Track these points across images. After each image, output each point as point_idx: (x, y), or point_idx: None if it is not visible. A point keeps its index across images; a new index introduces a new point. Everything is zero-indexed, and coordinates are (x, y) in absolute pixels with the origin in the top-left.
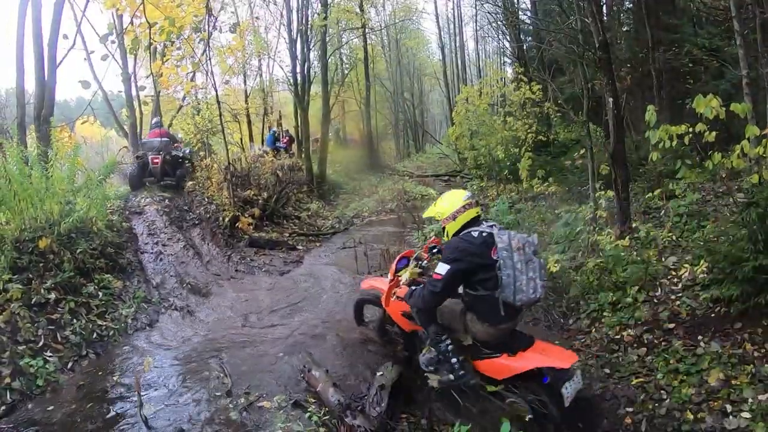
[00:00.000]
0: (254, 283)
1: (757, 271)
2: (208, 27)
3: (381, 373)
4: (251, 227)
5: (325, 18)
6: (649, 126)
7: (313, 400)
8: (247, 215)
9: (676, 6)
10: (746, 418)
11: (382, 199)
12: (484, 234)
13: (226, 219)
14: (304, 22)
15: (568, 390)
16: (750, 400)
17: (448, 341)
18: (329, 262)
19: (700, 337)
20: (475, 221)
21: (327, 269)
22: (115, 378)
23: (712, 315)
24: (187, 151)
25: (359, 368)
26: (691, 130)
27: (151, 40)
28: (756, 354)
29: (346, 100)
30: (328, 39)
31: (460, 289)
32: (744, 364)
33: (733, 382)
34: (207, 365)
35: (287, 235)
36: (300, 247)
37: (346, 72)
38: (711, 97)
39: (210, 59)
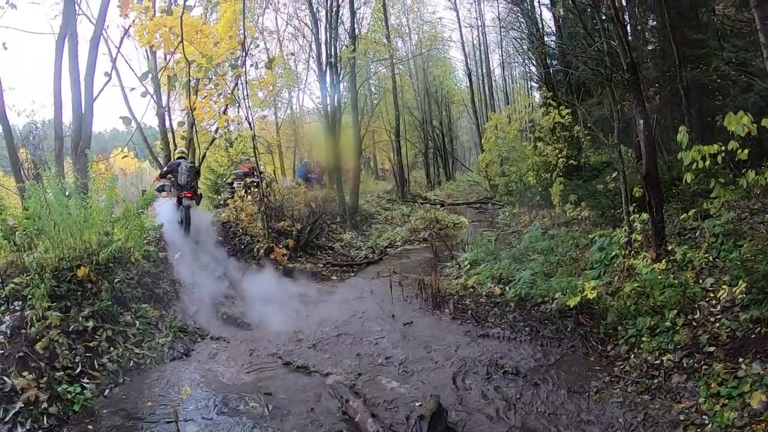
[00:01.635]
0: (289, 314)
1: None
2: (244, 63)
3: (420, 403)
4: (285, 258)
5: (354, 50)
6: (682, 147)
7: (352, 431)
8: (281, 246)
9: (700, 21)
10: None
11: (415, 228)
12: None
13: (261, 250)
14: (333, 54)
15: None
16: None
17: None
18: (363, 292)
19: (741, 360)
20: None
21: (360, 300)
22: (151, 406)
23: (753, 336)
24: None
25: (399, 397)
26: (723, 148)
27: (189, 77)
28: None
29: (376, 130)
30: (357, 70)
31: None
32: None
33: None
34: (244, 396)
35: (321, 265)
36: (334, 278)
37: (375, 102)
38: (741, 114)
39: (247, 94)
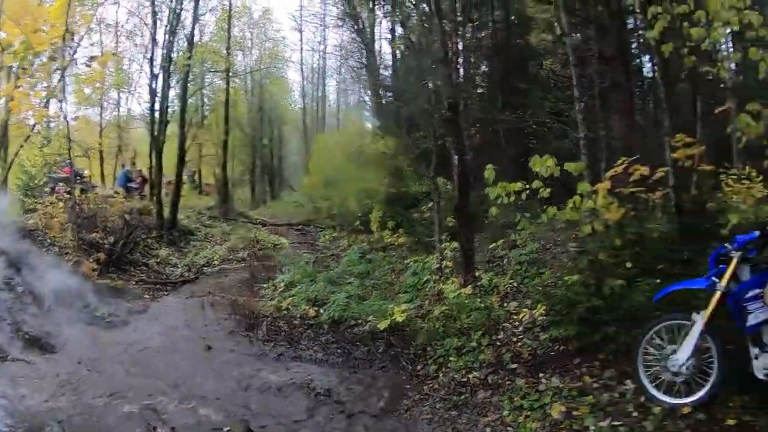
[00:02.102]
0: (97, 334)
1: (589, 311)
2: (69, 55)
3: (228, 428)
4: (96, 273)
5: (190, 57)
6: (488, 183)
7: None
8: (91, 260)
9: (529, 72)
10: None
11: (234, 247)
12: None
13: (70, 263)
14: (167, 58)
15: None
16: (592, 428)
17: None
18: (176, 312)
19: (541, 375)
20: None
21: (172, 320)
22: None
23: (552, 353)
24: None
25: (207, 424)
26: (527, 186)
27: (3, 63)
28: (595, 385)
29: (204, 143)
30: (191, 78)
31: None
32: (584, 396)
33: (574, 413)
34: (45, 424)
35: (134, 283)
36: (147, 296)
37: (206, 113)
38: (547, 158)
39: (65, 89)
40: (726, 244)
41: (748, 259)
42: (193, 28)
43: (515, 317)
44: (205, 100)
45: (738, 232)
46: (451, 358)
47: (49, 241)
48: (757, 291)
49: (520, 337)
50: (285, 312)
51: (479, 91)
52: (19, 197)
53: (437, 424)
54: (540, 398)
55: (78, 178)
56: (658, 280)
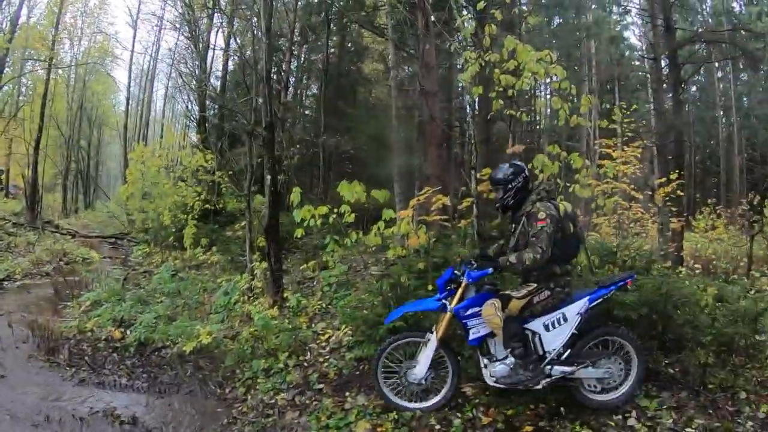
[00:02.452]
0: None
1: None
2: None
3: None
4: None
5: (11, 39)
6: (293, 206)
7: None
8: None
9: (357, 98)
10: None
11: (39, 260)
12: None
13: None
14: None
15: None
16: None
17: None
18: None
19: (347, 394)
20: None
21: None
22: None
23: (357, 372)
24: None
25: None
26: (335, 210)
27: None
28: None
29: (15, 138)
30: (9, 63)
31: None
32: (388, 412)
33: (379, 429)
34: None
35: None
36: None
37: (20, 105)
38: (356, 184)
39: None
40: (454, 270)
41: (475, 283)
42: (20, 7)
43: (322, 338)
44: (22, 90)
45: None
46: (259, 380)
47: None
48: (476, 309)
49: (327, 357)
50: (89, 333)
51: (306, 112)
52: None
53: None
54: (346, 416)
55: None
56: None
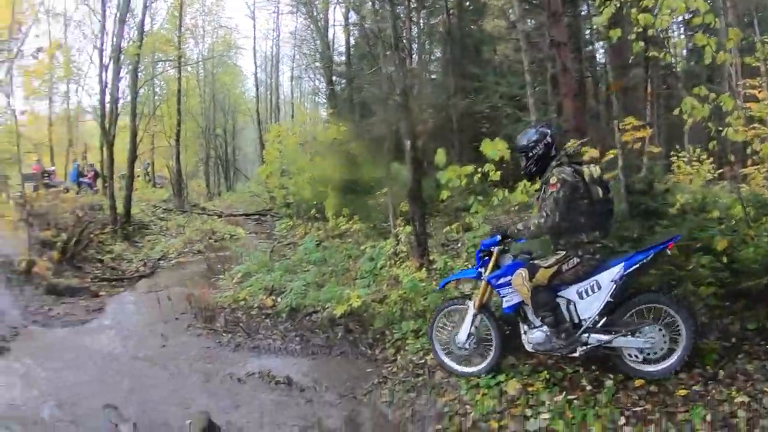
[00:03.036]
0: (54, 335)
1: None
2: (17, 47)
3: (190, 421)
4: (50, 272)
5: (140, 46)
6: (439, 167)
7: None
8: (45, 259)
9: (482, 58)
10: (545, 419)
11: (190, 239)
12: None
13: (22, 263)
14: (117, 48)
15: None
16: (547, 403)
17: None
18: (133, 309)
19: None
20: None
21: (128, 316)
22: None
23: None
24: None
25: (168, 418)
26: (479, 170)
27: None
28: (549, 361)
29: (157, 134)
30: (141, 68)
31: None
32: (538, 372)
33: (529, 389)
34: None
35: (89, 280)
36: (103, 293)
37: (158, 104)
38: (498, 141)
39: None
40: (485, 241)
41: (507, 251)
42: (143, 16)
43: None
44: (157, 90)
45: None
46: (408, 341)
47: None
48: (507, 278)
49: None
50: (242, 303)
51: (432, 76)
52: None
53: (396, 406)
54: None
55: (46, 174)
56: None
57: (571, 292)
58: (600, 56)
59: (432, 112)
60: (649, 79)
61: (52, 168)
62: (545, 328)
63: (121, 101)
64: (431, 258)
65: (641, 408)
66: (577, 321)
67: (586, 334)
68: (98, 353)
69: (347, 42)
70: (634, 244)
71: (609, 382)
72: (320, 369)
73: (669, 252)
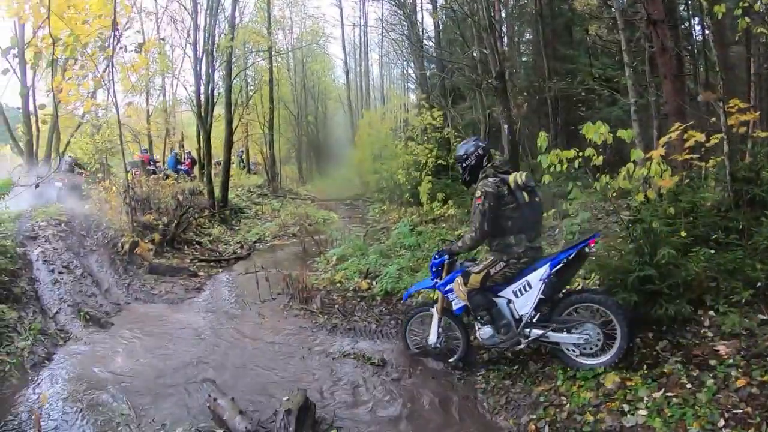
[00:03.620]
0: (155, 312)
1: (642, 281)
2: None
3: (287, 398)
4: (151, 253)
5: (232, 39)
6: (541, 151)
7: (220, 429)
8: (147, 241)
9: (573, 38)
10: (643, 415)
11: (285, 223)
12: None
13: (126, 245)
14: (210, 42)
15: None
16: (645, 399)
17: None
18: (230, 289)
19: None
20: None
21: (226, 296)
22: (12, 413)
23: None
24: None
25: (265, 394)
26: (580, 154)
27: (54, 56)
28: (648, 356)
29: (250, 122)
30: (234, 60)
31: None
32: (638, 367)
33: (628, 383)
34: (109, 398)
35: (188, 261)
36: (201, 274)
37: (251, 94)
38: (599, 124)
39: (113, 78)
40: (435, 261)
41: (455, 261)
42: (233, 10)
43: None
44: (249, 80)
45: None
46: None
47: (105, 224)
48: (450, 285)
49: None
50: (338, 285)
51: (524, 59)
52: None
53: (491, 393)
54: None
55: (151, 162)
56: (713, 251)
57: (508, 292)
58: (696, 33)
59: (526, 96)
60: (751, 58)
61: (158, 156)
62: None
63: (216, 92)
64: None
65: (741, 411)
66: (518, 317)
67: (527, 329)
68: (197, 329)
69: (436, 26)
70: (738, 236)
71: (710, 381)
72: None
73: (590, 249)
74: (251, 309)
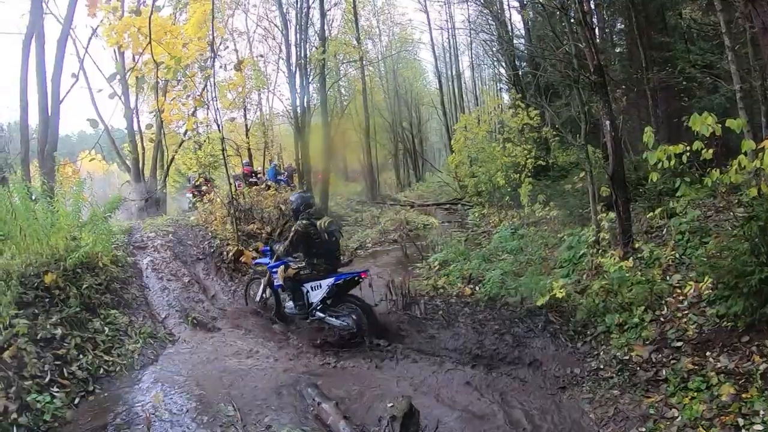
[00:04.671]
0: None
1: (762, 283)
2: (213, 65)
3: (392, 404)
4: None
5: (323, 52)
6: (648, 147)
7: None
8: (251, 249)
9: (667, 24)
10: (758, 431)
11: (385, 229)
12: None
13: (230, 253)
14: (302, 55)
15: None
16: (762, 413)
17: None
18: None
19: (708, 354)
20: None
21: None
22: (122, 413)
23: (720, 330)
24: None
25: (370, 399)
26: (688, 148)
27: (157, 78)
28: (765, 366)
29: (346, 131)
30: (326, 71)
31: None
32: (750, 376)
33: (743, 396)
34: (215, 400)
35: None
36: None
37: (345, 104)
38: (706, 115)
39: (215, 96)
40: (268, 247)
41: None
42: (322, 24)
43: (679, 291)
44: (343, 91)
45: None
46: (612, 335)
47: (210, 234)
48: (276, 269)
49: (685, 312)
50: (441, 291)
51: (617, 50)
52: (175, 197)
53: (598, 404)
54: (707, 379)
55: (254, 175)
56: None
57: (308, 286)
58: None
59: (624, 89)
60: None
61: (260, 168)
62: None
63: (311, 103)
64: (635, 246)
65: None
66: (310, 302)
67: (314, 311)
68: (300, 333)
69: (524, 23)
70: None
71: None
72: (520, 360)
73: (361, 280)
74: None
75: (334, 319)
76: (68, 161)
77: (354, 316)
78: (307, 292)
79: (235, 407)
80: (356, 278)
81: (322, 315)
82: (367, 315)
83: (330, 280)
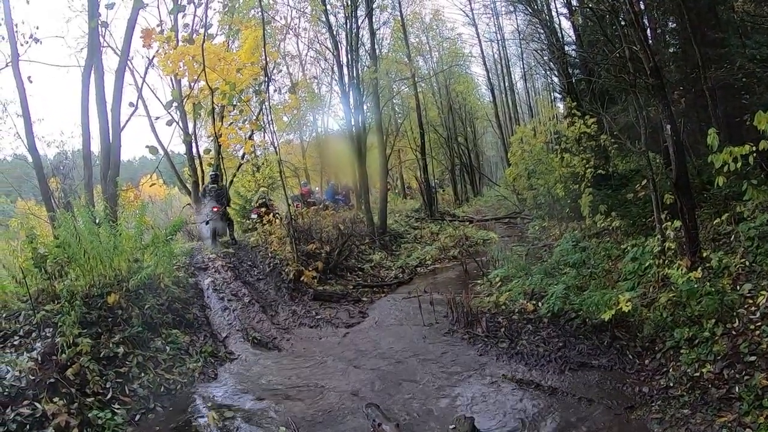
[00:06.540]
0: (319, 336)
1: None
2: (268, 88)
3: (453, 426)
4: (315, 281)
5: (375, 71)
6: (712, 149)
7: None
8: (310, 269)
9: (720, 19)
10: None
11: (444, 246)
12: None
13: (290, 273)
14: (355, 75)
15: None
16: None
17: None
18: (393, 313)
19: None
20: None
21: (390, 320)
22: (183, 427)
23: None
24: None
25: (431, 420)
26: (754, 148)
27: (213, 104)
28: None
29: (402, 149)
30: (380, 90)
31: None
32: None
33: None
34: (272, 414)
35: (351, 287)
36: (365, 299)
37: (399, 121)
38: None
39: (271, 119)
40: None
41: None
42: (372, 43)
43: (751, 302)
44: (396, 108)
45: None
46: (681, 351)
47: (270, 254)
48: None
49: (758, 324)
50: (503, 307)
51: (671, 50)
52: (237, 219)
53: (668, 424)
54: None
55: (310, 194)
56: None
57: None
58: None
59: (681, 90)
60: None
61: (317, 188)
62: None
63: (366, 122)
64: (704, 255)
65: None
66: None
67: None
68: (361, 352)
69: (575, 28)
70: None
71: None
72: (584, 377)
73: None
74: (414, 332)
75: None
76: (130, 186)
77: None
78: None
79: (295, 429)
80: None
81: None
82: None
83: None
